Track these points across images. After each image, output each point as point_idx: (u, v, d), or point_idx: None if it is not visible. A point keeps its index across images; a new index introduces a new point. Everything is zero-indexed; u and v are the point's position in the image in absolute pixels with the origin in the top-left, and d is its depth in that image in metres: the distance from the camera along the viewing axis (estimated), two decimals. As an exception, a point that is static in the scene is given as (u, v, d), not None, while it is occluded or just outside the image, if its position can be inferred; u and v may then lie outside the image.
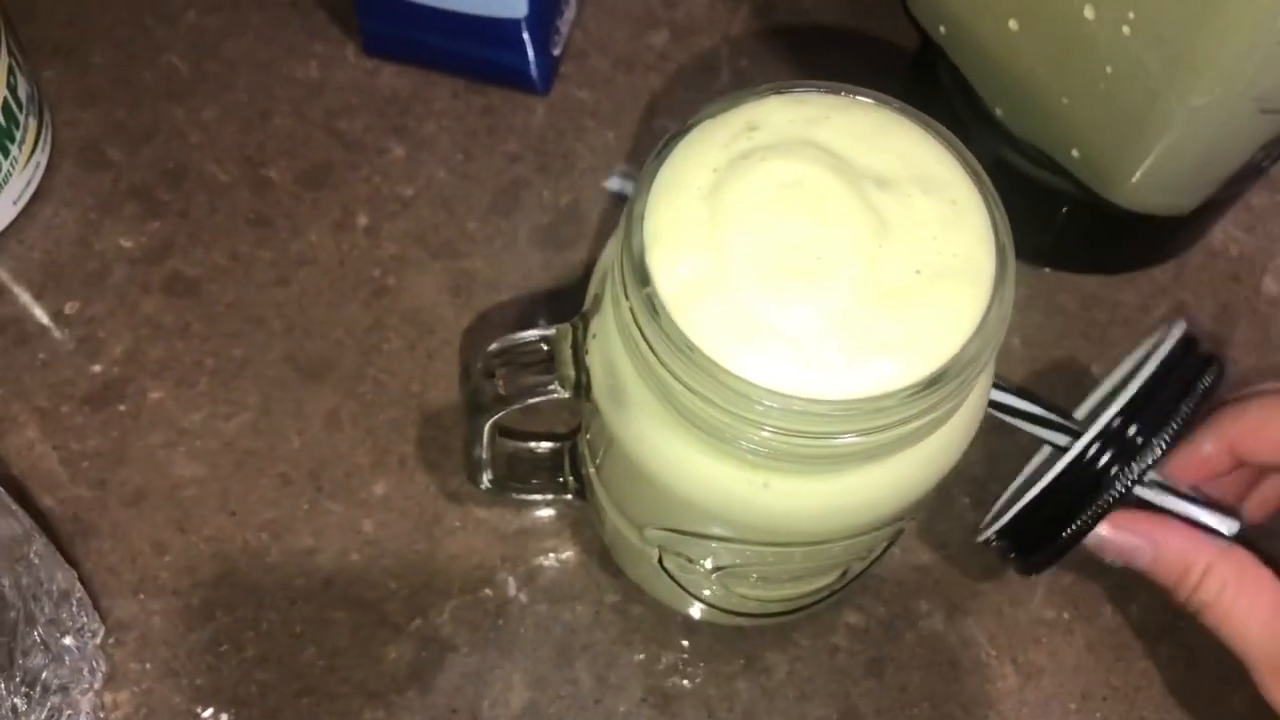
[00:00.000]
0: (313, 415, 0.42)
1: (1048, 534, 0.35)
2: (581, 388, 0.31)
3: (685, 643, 0.40)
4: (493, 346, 0.32)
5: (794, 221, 0.26)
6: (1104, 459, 0.34)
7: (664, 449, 0.29)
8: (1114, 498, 0.34)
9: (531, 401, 0.32)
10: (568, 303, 0.45)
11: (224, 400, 0.42)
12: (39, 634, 0.30)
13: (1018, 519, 0.35)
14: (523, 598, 0.40)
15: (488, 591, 0.40)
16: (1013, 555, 0.37)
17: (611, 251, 0.31)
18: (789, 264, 0.26)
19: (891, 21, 0.50)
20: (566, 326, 0.31)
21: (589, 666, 0.39)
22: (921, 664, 0.40)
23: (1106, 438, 0.34)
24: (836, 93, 0.28)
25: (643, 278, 0.26)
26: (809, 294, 0.26)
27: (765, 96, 0.28)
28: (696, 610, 0.38)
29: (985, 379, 0.30)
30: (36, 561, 0.31)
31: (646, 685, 0.39)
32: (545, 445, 0.40)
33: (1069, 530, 0.34)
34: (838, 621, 0.40)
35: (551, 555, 0.41)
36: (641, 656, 0.39)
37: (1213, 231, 0.47)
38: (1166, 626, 0.40)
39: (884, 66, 0.49)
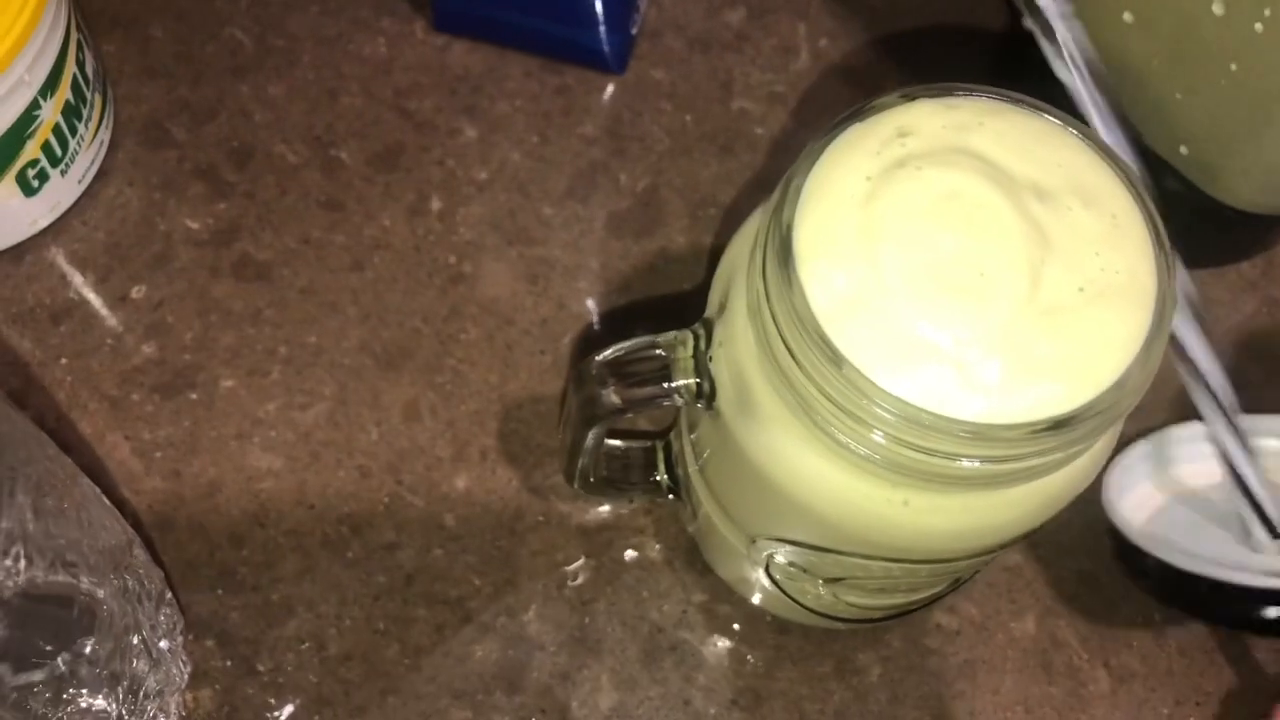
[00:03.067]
0: (391, 406, 0.41)
1: (1209, 604, 0.34)
2: (704, 396, 0.30)
3: (775, 643, 0.39)
4: (607, 355, 0.31)
5: (953, 234, 0.25)
6: None
7: (797, 463, 0.28)
8: None
9: (646, 410, 0.31)
10: (648, 291, 0.44)
11: (299, 390, 0.41)
12: (143, 638, 0.30)
13: (1190, 581, 0.35)
14: (608, 595, 0.39)
15: (572, 588, 0.39)
16: (1143, 580, 0.36)
17: (737, 255, 0.30)
18: (948, 279, 0.25)
19: (975, 1, 0.49)
20: (686, 333, 0.30)
21: (676, 666, 0.39)
22: (1014, 666, 0.39)
23: None
24: (988, 96, 0.27)
25: (792, 286, 0.25)
26: (970, 311, 0.25)
27: (914, 100, 0.27)
28: (792, 614, 0.37)
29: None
30: (139, 567, 0.30)
31: (736, 686, 0.38)
32: (638, 444, 0.39)
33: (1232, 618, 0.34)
34: (929, 623, 0.40)
35: (636, 552, 0.40)
36: (731, 657, 0.39)
37: (1301, 225, 0.46)
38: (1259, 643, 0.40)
39: (970, 49, 0.48)
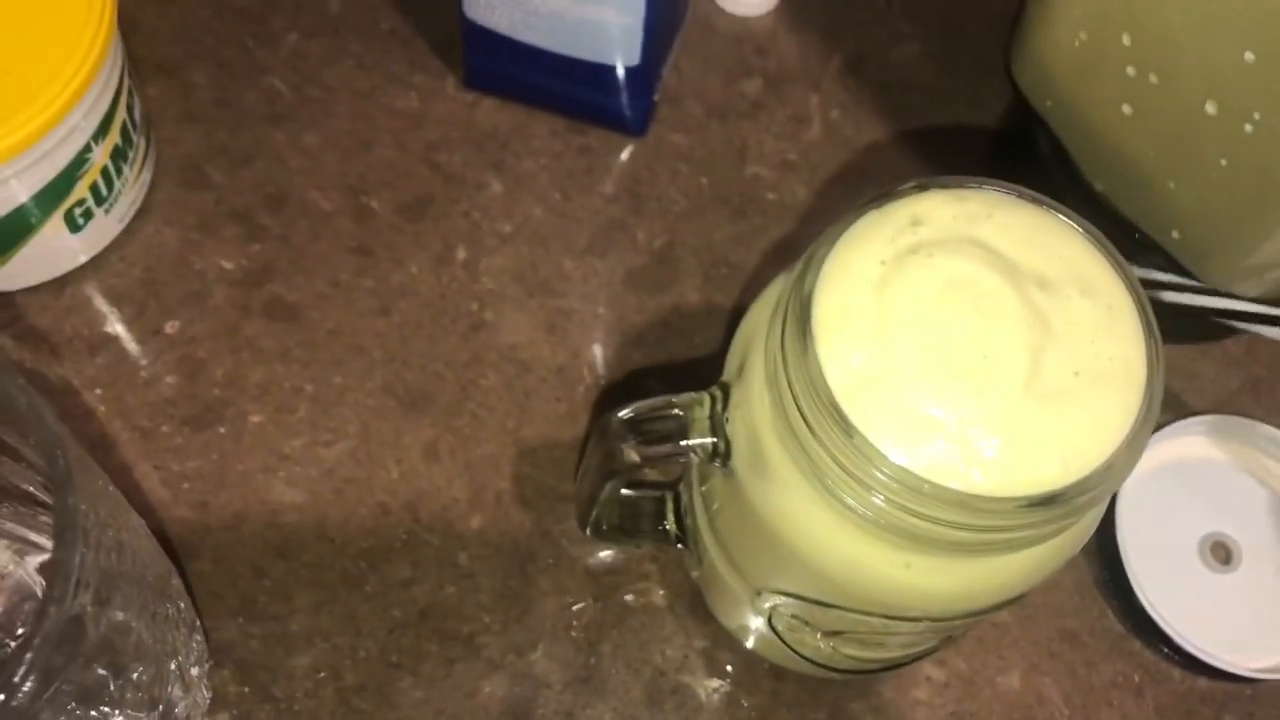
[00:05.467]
0: (411, 446, 0.43)
1: None
2: (719, 455, 0.32)
3: (771, 689, 0.41)
4: (627, 412, 0.33)
5: (960, 320, 0.27)
6: None
7: (807, 523, 0.30)
8: None
9: (662, 464, 0.33)
10: (661, 345, 0.45)
11: (324, 427, 0.43)
12: (178, 664, 0.31)
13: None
14: (613, 637, 0.41)
15: (578, 629, 0.41)
16: None
17: (756, 321, 0.32)
18: (955, 362, 0.27)
19: (980, 84, 0.51)
20: (703, 394, 0.32)
21: (678, 709, 0.40)
22: (999, 720, 0.41)
23: None
24: (996, 189, 0.29)
25: (811, 361, 0.27)
26: (974, 392, 0.27)
27: (927, 190, 0.29)
28: (790, 663, 0.39)
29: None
30: (177, 596, 0.32)
31: (733, 730, 0.40)
32: (649, 493, 0.40)
33: None
34: (920, 674, 0.41)
35: (641, 596, 0.42)
36: (728, 701, 0.40)
37: (1284, 306, 0.48)
38: (1233, 694, 0.42)
39: (973, 129, 0.50)
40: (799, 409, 0.28)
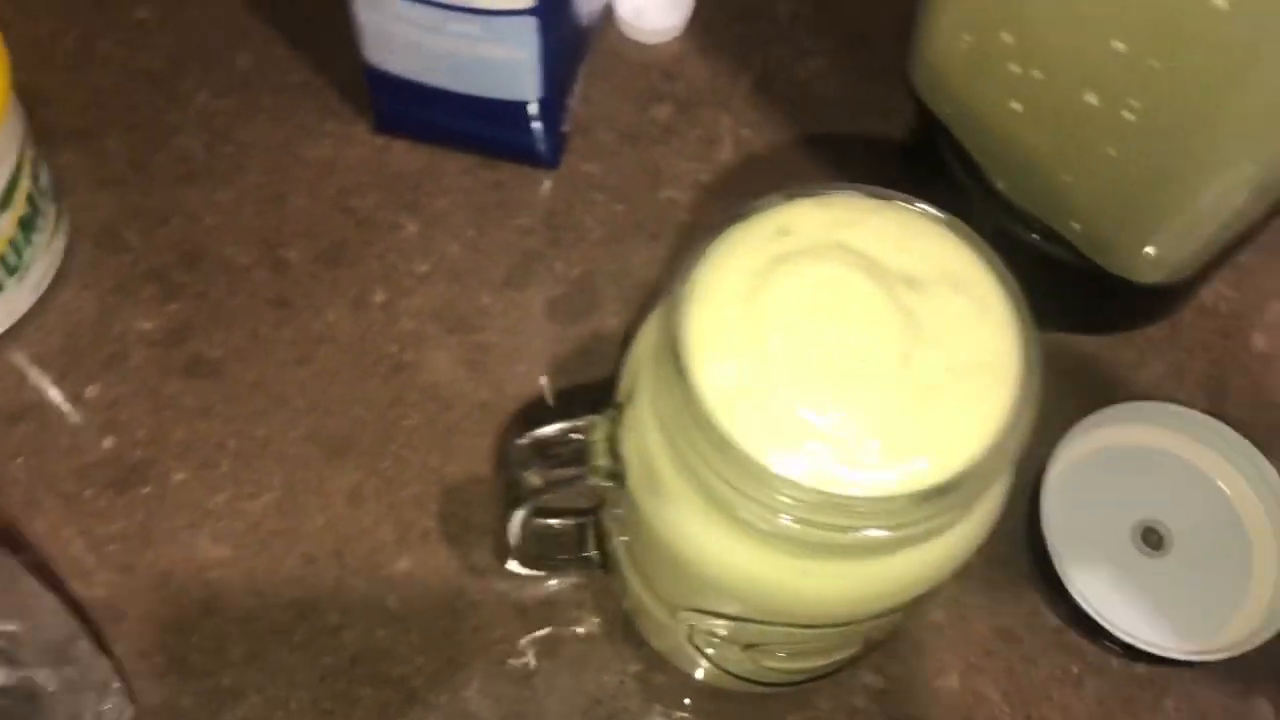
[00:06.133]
0: (335, 493, 0.43)
1: None
2: (617, 476, 0.32)
3: (709, 709, 0.40)
4: (524, 440, 0.33)
5: (830, 324, 0.28)
6: None
7: (701, 538, 0.30)
8: None
9: (565, 490, 0.33)
10: (584, 372, 0.46)
11: (248, 480, 0.43)
12: (89, 729, 0.31)
13: None
14: (547, 669, 0.41)
15: (513, 663, 0.41)
16: None
17: (644, 345, 0.32)
18: (826, 366, 0.27)
19: (888, 93, 0.51)
20: (600, 418, 0.32)
21: (616, 736, 0.40)
22: (939, 724, 0.41)
23: None
24: (863, 195, 0.30)
25: (684, 378, 0.27)
26: (846, 396, 0.27)
27: (794, 200, 0.29)
28: (723, 681, 0.39)
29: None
30: (82, 658, 0.31)
31: (673, 753, 0.40)
32: (569, 521, 0.40)
33: None
34: (856, 683, 0.41)
35: (574, 626, 0.42)
36: (667, 725, 0.40)
37: (1203, 289, 0.49)
38: (1173, 678, 0.42)
39: (883, 138, 0.51)
40: (680, 426, 0.28)
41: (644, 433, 0.30)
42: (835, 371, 0.27)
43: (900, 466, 0.27)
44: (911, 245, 0.29)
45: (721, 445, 0.27)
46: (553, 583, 0.42)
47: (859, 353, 0.27)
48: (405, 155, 0.49)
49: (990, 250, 0.29)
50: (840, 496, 0.26)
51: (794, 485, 0.26)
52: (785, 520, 0.27)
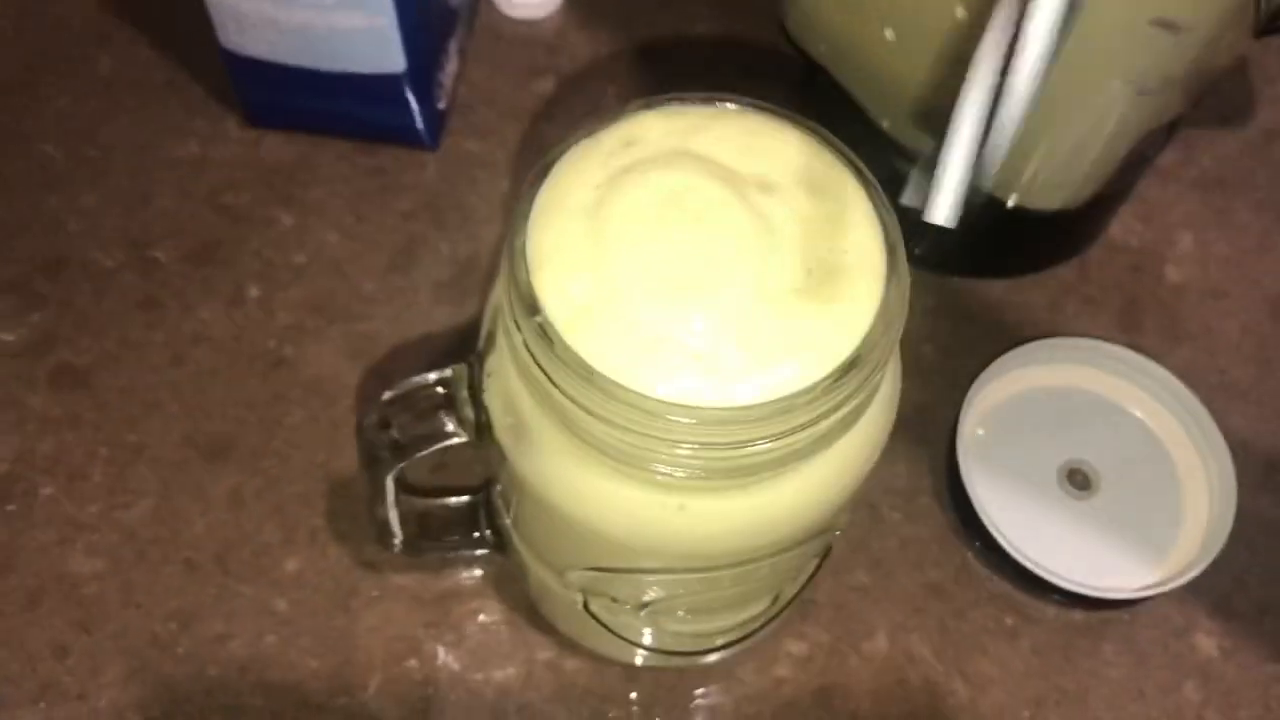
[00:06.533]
0: (215, 496, 0.40)
1: None
2: (482, 429, 0.30)
3: (624, 690, 0.38)
4: (386, 395, 0.31)
5: (680, 232, 0.26)
6: None
7: (572, 482, 0.28)
8: None
9: (431, 449, 0.31)
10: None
11: (121, 490, 0.40)
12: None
13: None
14: (451, 663, 0.38)
15: (413, 661, 0.38)
16: None
17: (501, 286, 0.30)
18: (679, 276, 0.25)
19: (775, 54, 0.50)
20: (462, 367, 0.30)
21: (527, 728, 0.38)
22: (869, 687, 0.39)
23: None
24: (711, 103, 0.28)
25: (531, 305, 0.25)
26: (703, 304, 0.25)
27: (639, 112, 0.28)
28: (633, 656, 0.37)
29: (891, 380, 0.29)
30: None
31: (589, 741, 0.37)
32: (457, 500, 0.38)
33: None
34: (780, 652, 0.39)
35: (477, 617, 0.39)
36: (583, 712, 0.38)
37: (1112, 226, 0.47)
38: (1110, 621, 0.40)
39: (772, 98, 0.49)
40: (533, 357, 0.26)
41: (505, 376, 0.28)
42: (688, 281, 0.25)
43: (768, 373, 0.25)
44: (766, 150, 0.27)
45: (573, 370, 0.25)
46: (452, 574, 0.39)
47: (713, 260, 0.26)
48: (279, 148, 0.47)
49: (848, 150, 0.27)
50: (709, 409, 0.24)
51: (656, 402, 0.24)
52: (654, 447, 0.25)
